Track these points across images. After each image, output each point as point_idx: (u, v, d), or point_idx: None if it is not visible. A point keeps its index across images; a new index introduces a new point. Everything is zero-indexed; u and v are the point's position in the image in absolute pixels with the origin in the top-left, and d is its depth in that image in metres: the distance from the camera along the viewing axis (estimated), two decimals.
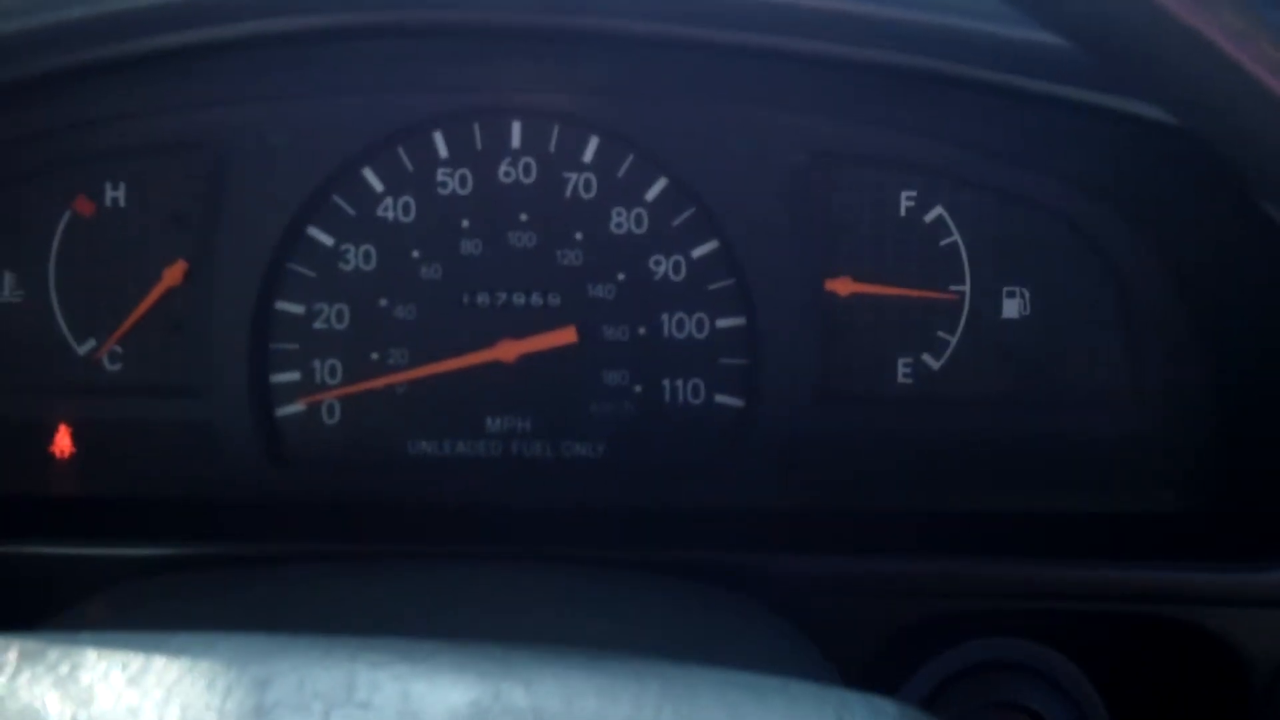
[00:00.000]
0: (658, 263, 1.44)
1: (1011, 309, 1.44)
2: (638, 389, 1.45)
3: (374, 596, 1.14)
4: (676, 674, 0.65)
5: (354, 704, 0.61)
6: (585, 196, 1.44)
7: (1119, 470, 1.44)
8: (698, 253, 1.44)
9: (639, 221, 1.44)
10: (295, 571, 1.22)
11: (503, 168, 1.44)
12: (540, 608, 1.12)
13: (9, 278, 1.45)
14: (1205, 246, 1.40)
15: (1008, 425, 1.44)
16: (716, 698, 0.64)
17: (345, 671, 0.63)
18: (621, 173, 1.44)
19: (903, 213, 1.44)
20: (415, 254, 1.44)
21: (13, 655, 0.65)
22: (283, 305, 1.44)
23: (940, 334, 1.44)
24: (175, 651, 0.65)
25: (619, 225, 1.44)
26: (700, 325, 1.44)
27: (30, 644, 0.66)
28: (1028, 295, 1.44)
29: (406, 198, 1.44)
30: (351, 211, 1.44)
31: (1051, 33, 0.68)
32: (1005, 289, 1.44)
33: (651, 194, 1.44)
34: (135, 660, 0.65)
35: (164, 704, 0.62)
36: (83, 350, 1.46)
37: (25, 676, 0.64)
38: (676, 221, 1.44)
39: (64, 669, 0.65)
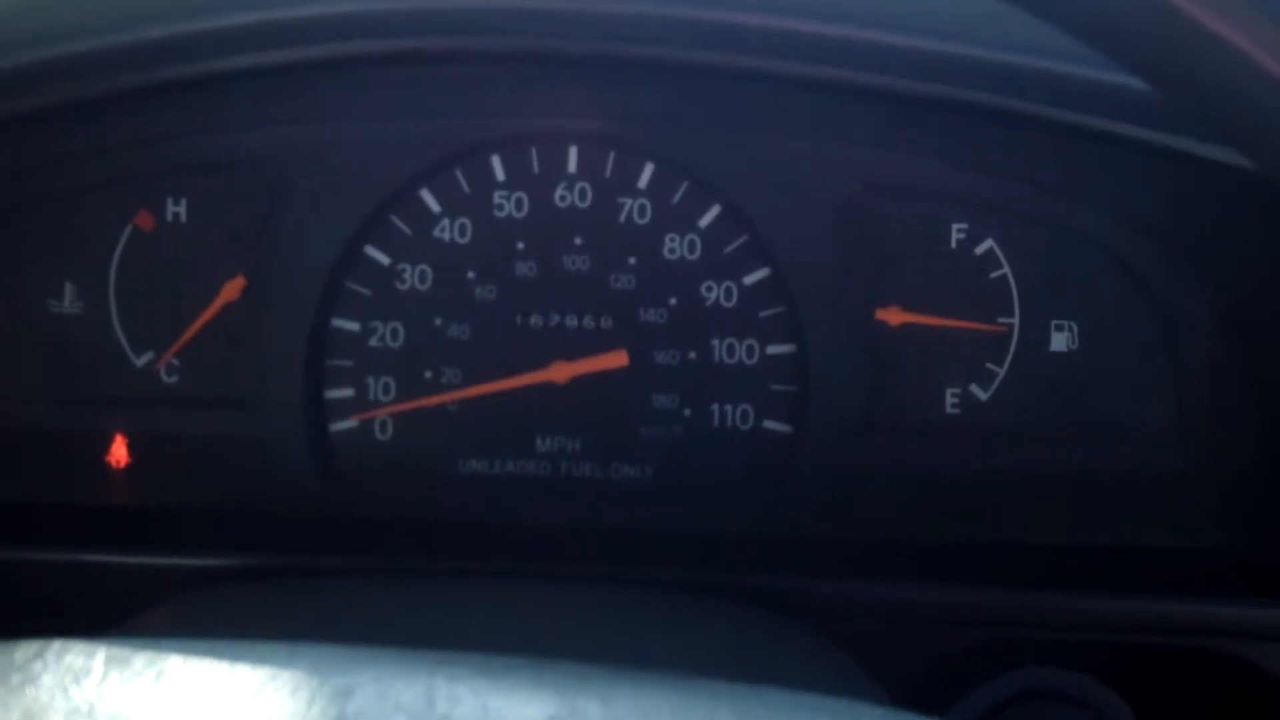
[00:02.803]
0: (709, 289, 1.46)
1: (1060, 342, 1.45)
2: (687, 413, 1.46)
3: (419, 612, 1.15)
4: (748, 695, 0.66)
5: (434, 716, 0.62)
6: (639, 222, 1.46)
7: (1162, 504, 1.44)
8: (749, 280, 1.45)
9: (691, 248, 1.46)
10: (349, 585, 1.23)
11: (558, 192, 1.46)
12: (589, 627, 1.13)
13: (70, 289, 1.47)
14: (1252, 284, 1.40)
15: (1053, 458, 1.45)
16: (788, 718, 0.65)
17: (425, 684, 0.64)
18: (675, 199, 1.45)
19: (953, 245, 1.45)
20: (470, 275, 1.46)
21: (100, 660, 0.67)
22: (339, 322, 1.46)
23: (989, 365, 1.45)
24: (258, 659, 0.67)
25: (672, 251, 1.46)
26: (750, 351, 1.46)
27: (117, 649, 0.68)
28: (1076, 329, 1.45)
29: (463, 219, 1.46)
30: (408, 231, 1.45)
31: (1141, 80, 0.69)
32: (1054, 322, 1.45)
33: (704, 221, 1.45)
34: (220, 667, 0.66)
35: (248, 711, 0.64)
36: (140, 362, 1.48)
37: (113, 682, 0.65)
38: (729, 249, 1.45)
39: (150, 675, 0.66)
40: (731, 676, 0.74)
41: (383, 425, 1.47)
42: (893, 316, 1.44)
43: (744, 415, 1.46)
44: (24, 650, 0.68)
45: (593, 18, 1.30)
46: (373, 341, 1.46)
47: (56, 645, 0.68)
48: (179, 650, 0.68)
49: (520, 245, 1.46)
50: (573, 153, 1.46)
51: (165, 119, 1.43)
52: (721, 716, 0.64)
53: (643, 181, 1.45)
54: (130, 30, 1.28)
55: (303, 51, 1.31)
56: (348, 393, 1.47)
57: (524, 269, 1.46)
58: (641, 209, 1.46)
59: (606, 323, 1.46)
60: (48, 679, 0.65)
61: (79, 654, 0.67)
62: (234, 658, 0.67)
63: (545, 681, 0.65)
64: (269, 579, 1.26)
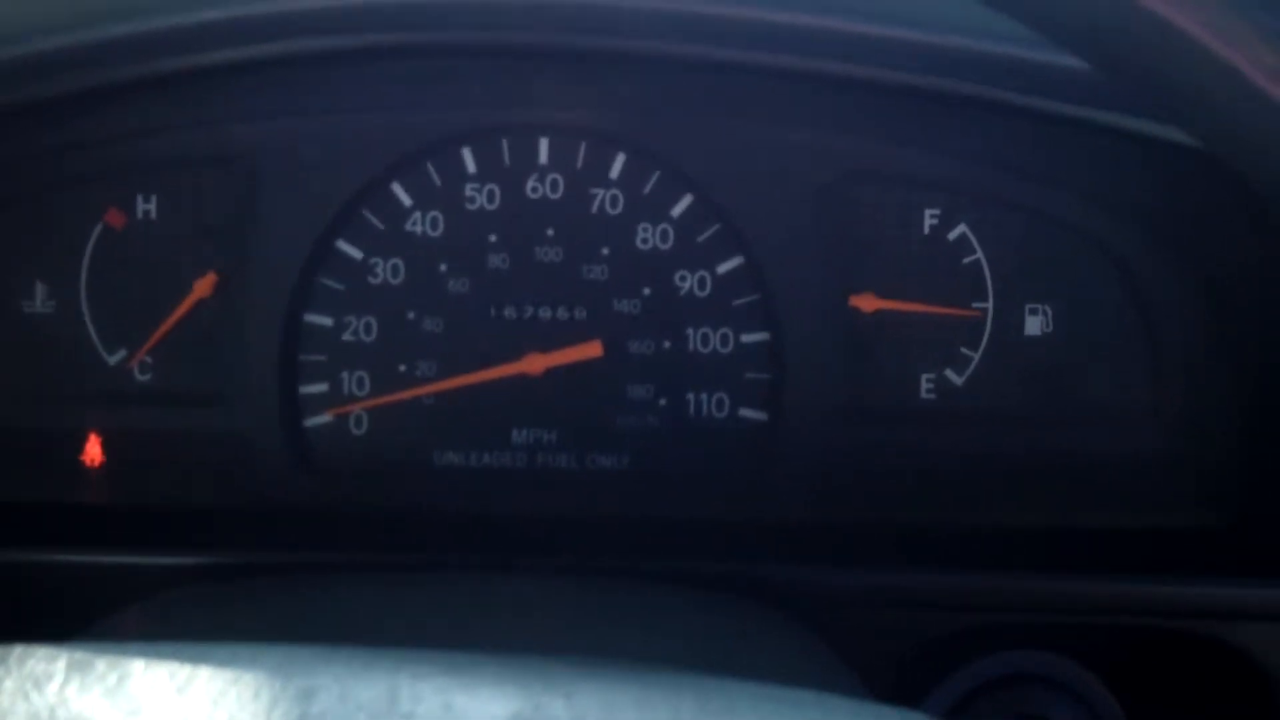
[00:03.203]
0: (683, 278, 1.46)
1: (1034, 326, 1.45)
2: (662, 402, 1.46)
3: (400, 608, 1.15)
4: (713, 687, 0.66)
5: (397, 715, 0.62)
6: (611, 212, 1.46)
7: (1141, 486, 1.45)
8: (722, 269, 1.45)
9: (664, 237, 1.46)
10: (323, 583, 1.23)
11: (530, 183, 1.45)
12: (563, 619, 1.13)
13: (41, 288, 1.47)
14: (1228, 264, 1.40)
15: (1030, 441, 1.45)
16: (752, 710, 0.65)
17: (388, 683, 0.64)
18: (647, 189, 1.45)
19: (926, 230, 1.45)
20: (443, 268, 1.46)
21: (61, 665, 0.67)
22: (312, 317, 1.45)
23: (963, 350, 1.46)
24: (220, 662, 0.67)
25: (644, 241, 1.46)
26: (725, 340, 1.46)
27: (78, 654, 0.67)
28: (1050, 312, 1.45)
29: (435, 212, 1.45)
30: (380, 226, 1.45)
31: (1080, 59, 0.69)
32: (1028, 306, 1.45)
33: (677, 210, 1.45)
34: (182, 670, 0.66)
35: (210, 714, 0.64)
36: (113, 360, 1.47)
37: (74, 686, 0.65)
38: (702, 238, 1.45)
39: (112, 679, 0.66)
40: (700, 668, 0.74)
41: (358, 419, 1.47)
42: (866, 303, 1.44)
43: (720, 404, 1.46)
44: None
45: (562, 9, 1.30)
46: (346, 336, 1.46)
47: (17, 650, 0.68)
48: (141, 654, 0.68)
49: (493, 237, 1.45)
50: (544, 144, 1.45)
51: (135, 116, 1.42)
52: (686, 710, 0.64)
53: (614, 172, 1.45)
54: (99, 27, 1.28)
55: (272, 47, 1.31)
56: (322, 388, 1.46)
57: (496, 261, 1.46)
58: (613, 199, 1.45)
59: (580, 314, 1.46)
60: (8, 684, 0.65)
61: (40, 659, 0.67)
62: (196, 660, 0.67)
63: (509, 678, 0.65)
64: (242, 576, 1.26)
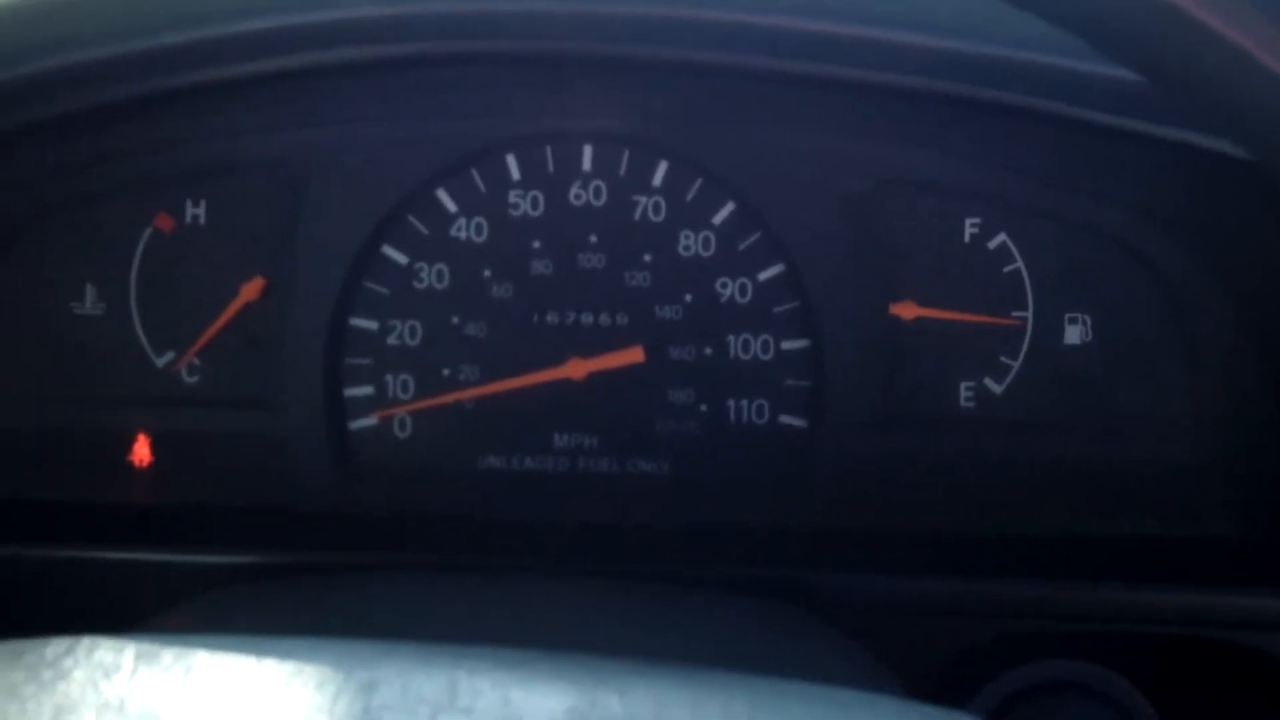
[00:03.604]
0: (724, 285, 1.47)
1: (1073, 335, 1.46)
2: (703, 408, 1.47)
3: (439, 608, 1.16)
4: (763, 686, 0.68)
5: (457, 709, 0.64)
6: (654, 219, 1.47)
7: (1178, 496, 1.45)
8: (764, 276, 1.46)
9: (706, 244, 1.47)
10: (370, 582, 1.25)
11: (574, 190, 1.47)
12: (607, 622, 1.14)
13: (91, 291, 1.49)
14: (1267, 275, 1.41)
15: (1068, 450, 1.46)
16: (802, 709, 0.66)
17: (448, 677, 0.66)
18: (690, 197, 1.46)
19: (966, 239, 1.46)
20: (487, 273, 1.47)
21: (129, 656, 0.68)
22: (357, 321, 1.47)
23: (1003, 359, 1.46)
24: (284, 654, 0.68)
25: (686, 248, 1.47)
26: (765, 347, 1.47)
27: (146, 645, 0.69)
28: (1089, 322, 1.46)
29: (479, 218, 1.47)
30: (425, 231, 1.47)
31: (1131, 71, 0.70)
32: (1067, 315, 1.46)
33: (719, 218, 1.46)
34: (247, 662, 0.68)
35: (274, 705, 0.65)
36: (161, 363, 1.49)
37: (142, 677, 0.67)
38: (743, 245, 1.46)
39: (179, 670, 0.67)
40: (746, 669, 0.76)
41: (402, 423, 1.49)
42: (907, 311, 1.45)
43: (760, 410, 1.47)
44: (55, 647, 0.69)
45: (606, 19, 1.31)
46: (391, 340, 1.48)
47: (87, 641, 0.69)
48: (207, 646, 0.69)
49: (536, 244, 1.47)
50: (587, 151, 1.47)
51: (184, 123, 1.44)
52: (737, 708, 0.65)
53: (657, 179, 1.46)
54: (150, 36, 1.30)
55: (320, 55, 1.33)
56: (367, 391, 1.48)
57: (540, 267, 1.47)
58: (656, 206, 1.47)
59: (622, 319, 1.47)
60: (79, 675, 0.67)
61: (109, 650, 0.69)
62: (260, 653, 0.68)
63: (564, 674, 0.67)
64: (290, 576, 1.28)
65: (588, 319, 1.47)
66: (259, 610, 1.16)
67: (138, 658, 0.68)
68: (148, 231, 1.48)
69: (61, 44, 1.29)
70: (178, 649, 0.69)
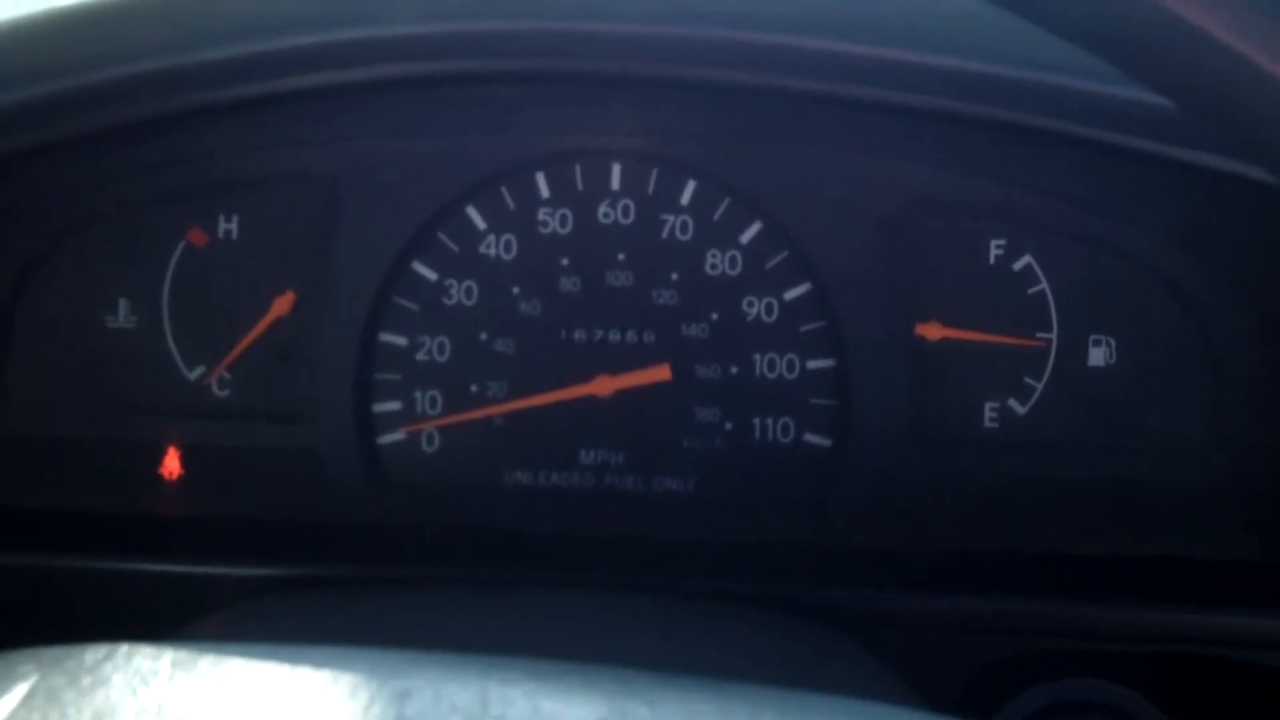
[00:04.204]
0: (750, 304, 1.48)
1: (1098, 357, 1.46)
2: (729, 426, 1.48)
3: (469, 619, 1.17)
4: (791, 699, 0.68)
5: (488, 718, 0.65)
6: (681, 238, 1.48)
7: (1202, 516, 1.45)
8: (790, 295, 1.47)
9: (733, 263, 1.48)
10: (400, 593, 1.26)
11: (602, 208, 1.48)
12: (635, 634, 1.15)
13: (124, 304, 1.50)
14: None
15: (1091, 470, 1.46)
16: None
17: (479, 687, 0.67)
18: (717, 216, 1.47)
19: (992, 260, 1.47)
20: (515, 290, 1.48)
21: (167, 663, 0.70)
22: (387, 337, 1.48)
23: (1027, 380, 1.47)
24: (318, 663, 0.69)
25: (714, 267, 1.48)
26: (791, 366, 1.48)
27: (182, 652, 0.70)
28: (1114, 344, 1.46)
29: (508, 236, 1.48)
30: (455, 248, 1.48)
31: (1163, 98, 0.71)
32: (1092, 337, 1.46)
33: (746, 237, 1.47)
34: (282, 670, 0.69)
35: (309, 713, 0.66)
36: (193, 376, 1.51)
37: (179, 684, 0.68)
38: (770, 264, 1.47)
39: (215, 677, 0.69)
40: (773, 683, 0.76)
41: (430, 437, 1.50)
42: (932, 331, 1.46)
43: (785, 429, 1.48)
44: (93, 653, 0.70)
45: (636, 40, 1.32)
46: (420, 356, 1.49)
47: (125, 648, 0.71)
48: (242, 654, 0.70)
49: (564, 261, 1.48)
50: (616, 170, 1.48)
51: (217, 138, 1.46)
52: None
53: (685, 198, 1.47)
54: (185, 53, 1.32)
55: (352, 73, 1.34)
56: (396, 406, 1.49)
57: (568, 284, 1.48)
58: (684, 225, 1.48)
59: (649, 337, 1.48)
60: (117, 680, 0.68)
61: (147, 657, 0.70)
62: (295, 661, 0.70)
63: (594, 685, 0.68)
64: (320, 588, 1.29)
65: (615, 337, 1.48)
66: (289, 621, 1.17)
67: (175, 664, 0.69)
68: (181, 245, 1.50)
69: (97, 60, 1.31)
70: (214, 656, 0.70)
